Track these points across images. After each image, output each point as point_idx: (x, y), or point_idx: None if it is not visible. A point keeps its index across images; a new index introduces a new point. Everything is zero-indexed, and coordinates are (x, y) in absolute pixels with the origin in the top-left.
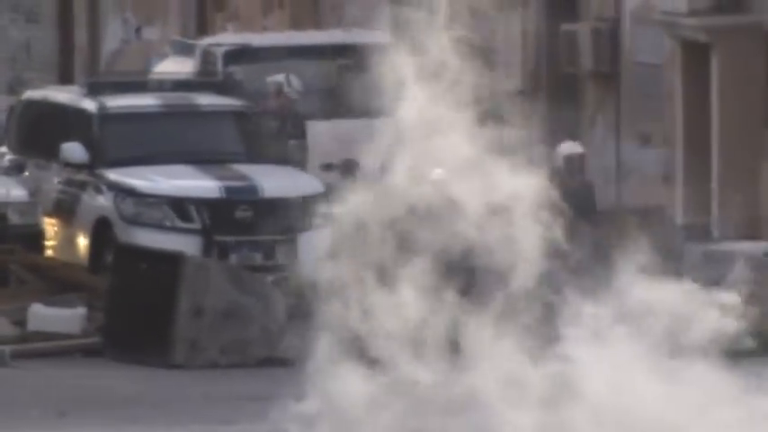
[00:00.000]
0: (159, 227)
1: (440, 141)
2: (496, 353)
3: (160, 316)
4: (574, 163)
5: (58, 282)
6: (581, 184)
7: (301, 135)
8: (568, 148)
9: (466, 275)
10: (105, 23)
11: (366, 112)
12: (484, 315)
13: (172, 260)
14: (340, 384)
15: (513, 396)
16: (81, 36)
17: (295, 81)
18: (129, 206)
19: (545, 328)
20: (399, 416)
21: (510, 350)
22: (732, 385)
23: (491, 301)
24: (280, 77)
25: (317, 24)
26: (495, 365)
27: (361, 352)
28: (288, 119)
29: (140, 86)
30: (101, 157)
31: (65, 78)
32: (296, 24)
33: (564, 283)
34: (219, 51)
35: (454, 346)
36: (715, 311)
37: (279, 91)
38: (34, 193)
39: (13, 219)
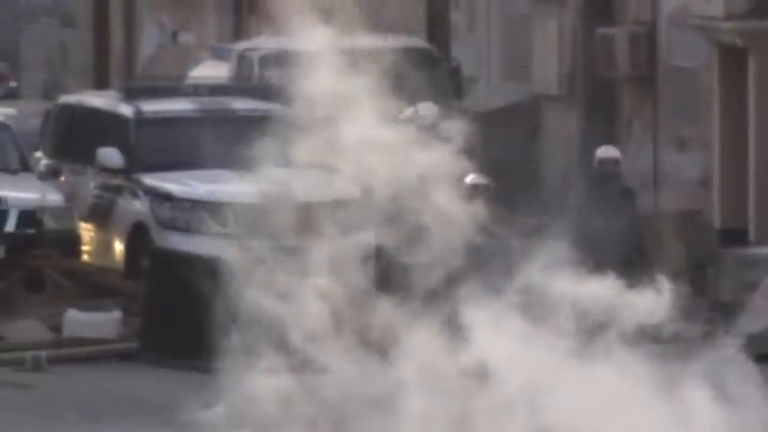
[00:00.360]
0: (195, 231)
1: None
2: (413, 346)
3: (196, 321)
4: (607, 167)
5: (93, 287)
6: (620, 189)
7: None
8: (603, 152)
9: (381, 268)
10: (141, 28)
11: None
12: (400, 307)
13: (208, 265)
14: (254, 383)
15: (430, 389)
16: (117, 40)
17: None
18: (165, 211)
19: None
20: (315, 412)
21: (426, 343)
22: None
23: (407, 294)
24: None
25: (353, 29)
26: (412, 359)
27: (277, 346)
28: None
29: (176, 91)
30: (137, 162)
31: (101, 83)
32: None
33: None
34: (255, 56)
35: (372, 341)
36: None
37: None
38: (70, 197)
39: (49, 224)
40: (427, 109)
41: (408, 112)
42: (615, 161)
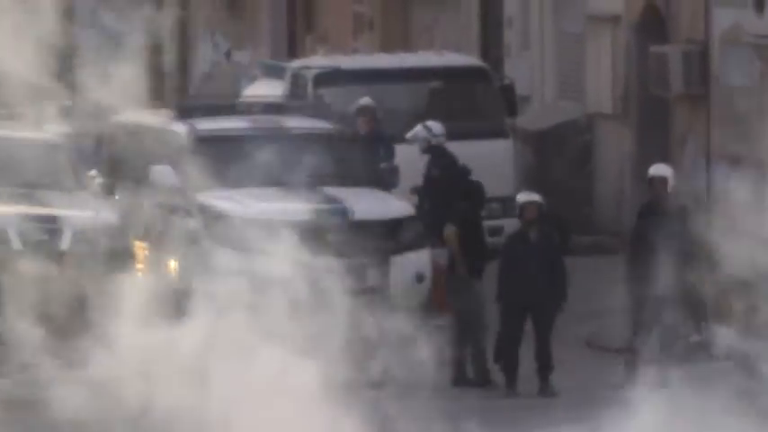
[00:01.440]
0: (249, 250)
1: None
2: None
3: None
4: (657, 185)
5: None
6: (675, 207)
7: (390, 158)
8: (653, 170)
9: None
10: (195, 47)
11: (456, 134)
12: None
13: (263, 283)
14: None
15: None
16: (171, 59)
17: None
18: (219, 229)
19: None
20: None
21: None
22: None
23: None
24: (367, 99)
25: (408, 47)
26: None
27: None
28: (376, 141)
29: (230, 109)
30: (191, 181)
31: (154, 101)
32: (386, 47)
33: None
34: (309, 74)
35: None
36: None
37: (366, 113)
38: (124, 216)
39: (104, 242)
40: (433, 126)
41: (415, 129)
42: (663, 179)
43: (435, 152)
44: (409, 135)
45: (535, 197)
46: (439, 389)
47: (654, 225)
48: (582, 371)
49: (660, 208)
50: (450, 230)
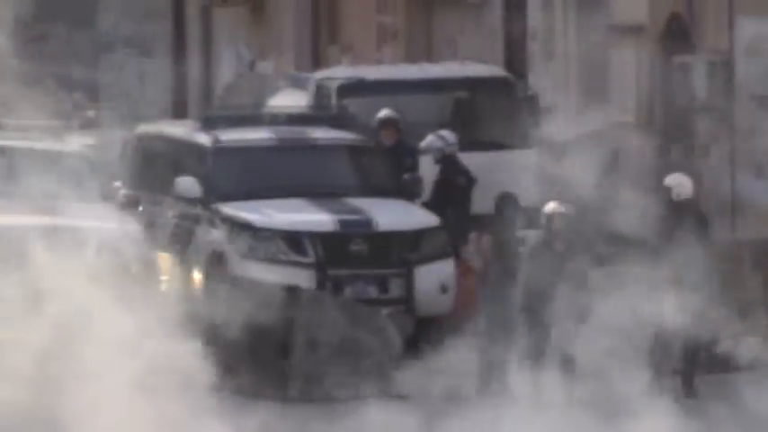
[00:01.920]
0: (273, 261)
1: None
2: None
3: (275, 350)
4: (668, 194)
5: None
6: (695, 217)
7: (414, 168)
8: (669, 180)
9: None
10: (219, 57)
11: (481, 145)
12: None
13: (286, 294)
14: None
15: None
16: (195, 70)
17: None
18: (243, 240)
19: None
20: None
21: None
22: None
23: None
24: (389, 111)
25: (431, 57)
26: None
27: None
28: (399, 152)
29: (254, 120)
30: (215, 191)
31: (178, 112)
32: (410, 57)
33: None
34: (333, 85)
35: None
36: None
37: (389, 124)
38: (148, 227)
39: (127, 253)
40: (446, 135)
41: (428, 139)
42: (678, 188)
43: (448, 161)
44: (423, 145)
45: (563, 208)
46: (463, 399)
47: (673, 235)
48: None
49: (679, 217)
50: (485, 239)
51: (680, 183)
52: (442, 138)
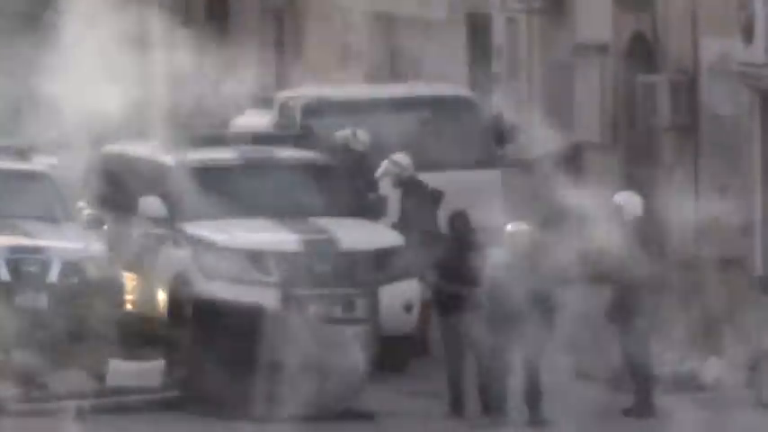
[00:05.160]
0: (238, 280)
1: None
2: None
3: (239, 369)
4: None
5: (136, 336)
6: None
7: (374, 188)
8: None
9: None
10: (183, 77)
11: (445, 164)
12: None
13: (251, 314)
14: None
15: None
16: (159, 89)
17: (362, 135)
18: (207, 260)
19: None
20: None
21: None
22: None
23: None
24: (346, 132)
25: (395, 77)
26: None
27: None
28: (357, 173)
29: (219, 140)
30: (179, 211)
31: (143, 132)
32: (373, 77)
33: None
34: (298, 104)
35: None
36: None
37: (345, 146)
38: (113, 247)
39: (92, 273)
40: (401, 160)
41: (383, 165)
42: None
43: (409, 184)
44: (379, 173)
45: (525, 227)
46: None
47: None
48: (570, 400)
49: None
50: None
51: (629, 201)
52: (396, 163)
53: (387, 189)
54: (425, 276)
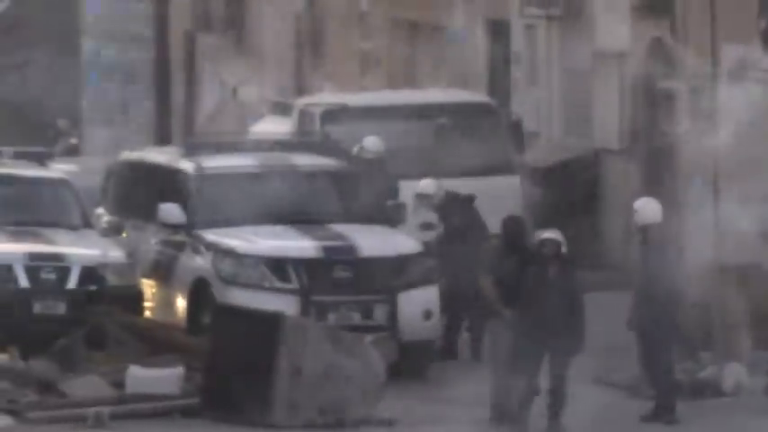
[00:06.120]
0: (257, 287)
1: None
2: None
3: (259, 376)
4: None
5: (155, 343)
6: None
7: (394, 195)
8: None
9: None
10: (202, 84)
11: (464, 171)
12: None
13: (270, 320)
14: None
15: None
16: (178, 97)
17: (373, 144)
18: (227, 267)
19: None
20: None
21: None
22: None
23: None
24: (357, 146)
25: (415, 83)
26: None
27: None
28: (374, 179)
29: (237, 147)
30: (198, 218)
31: (162, 139)
32: (393, 83)
33: None
34: (317, 111)
35: None
36: None
37: (358, 157)
38: (132, 254)
39: (111, 280)
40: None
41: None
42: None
43: (445, 204)
44: (411, 209)
45: (555, 234)
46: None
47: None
48: (590, 407)
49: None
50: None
51: (643, 207)
52: (423, 196)
53: (428, 215)
54: (477, 281)
